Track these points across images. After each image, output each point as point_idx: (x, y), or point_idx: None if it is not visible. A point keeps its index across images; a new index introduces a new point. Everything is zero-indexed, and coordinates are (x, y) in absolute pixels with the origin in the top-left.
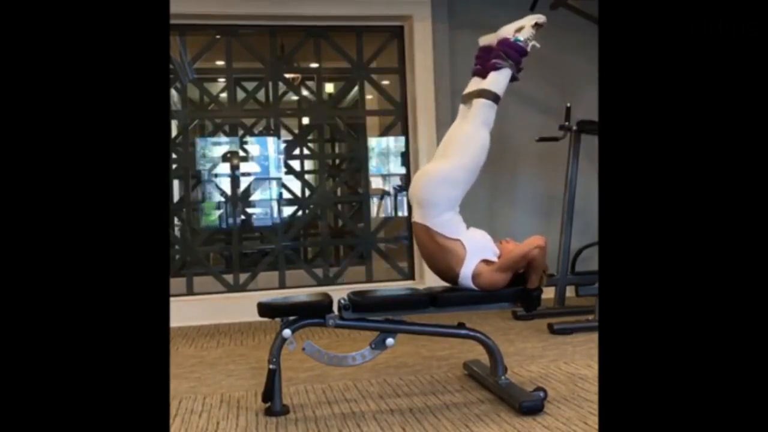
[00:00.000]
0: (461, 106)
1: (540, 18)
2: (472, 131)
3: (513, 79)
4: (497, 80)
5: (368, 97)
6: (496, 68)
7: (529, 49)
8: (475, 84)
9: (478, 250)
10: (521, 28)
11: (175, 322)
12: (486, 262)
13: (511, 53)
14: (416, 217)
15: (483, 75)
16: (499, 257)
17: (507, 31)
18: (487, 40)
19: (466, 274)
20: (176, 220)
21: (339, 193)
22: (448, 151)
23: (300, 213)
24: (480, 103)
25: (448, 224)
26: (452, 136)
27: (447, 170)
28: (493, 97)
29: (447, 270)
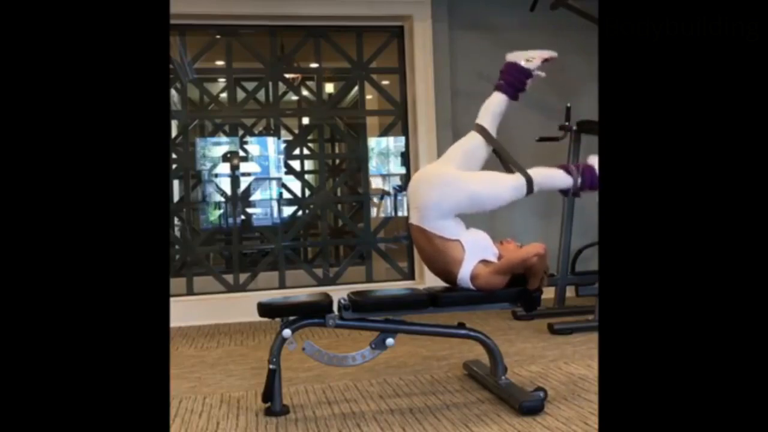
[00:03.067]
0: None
1: (551, 54)
2: (508, 181)
3: (513, 97)
4: (493, 104)
5: (368, 97)
6: (500, 89)
7: (533, 75)
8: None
9: (476, 251)
10: (530, 59)
11: (175, 322)
12: (485, 263)
13: (516, 76)
14: (413, 220)
15: (504, 90)
16: (499, 257)
17: (518, 56)
18: (514, 57)
19: (464, 275)
20: (176, 220)
21: (339, 193)
22: (451, 156)
23: (300, 213)
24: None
25: (446, 227)
26: (461, 144)
27: (448, 176)
28: (483, 130)
29: (446, 271)
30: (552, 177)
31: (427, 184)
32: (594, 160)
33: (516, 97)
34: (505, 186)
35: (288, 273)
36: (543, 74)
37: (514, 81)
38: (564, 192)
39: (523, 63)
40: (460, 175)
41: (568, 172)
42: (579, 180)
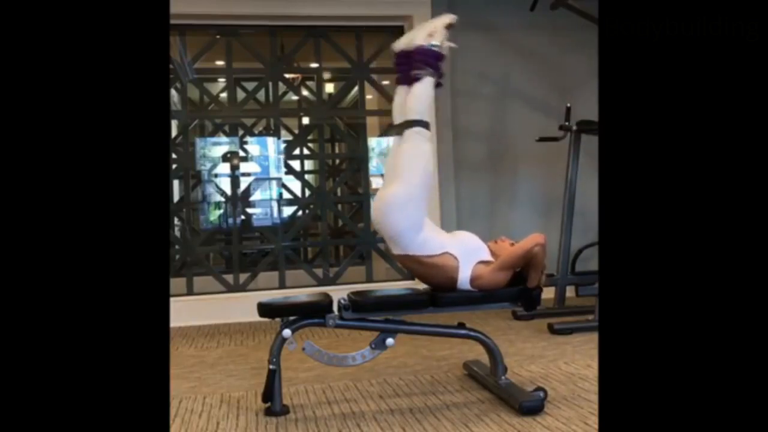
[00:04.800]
0: (395, 137)
1: (451, 18)
2: (411, 148)
3: (437, 84)
4: (421, 96)
5: (368, 97)
6: (417, 79)
7: (445, 52)
8: (401, 94)
9: (469, 254)
10: (433, 33)
11: (175, 322)
12: (483, 263)
13: (430, 60)
14: (394, 251)
15: (408, 82)
16: (492, 253)
17: (419, 37)
18: (402, 45)
19: (463, 280)
20: (176, 220)
21: (339, 193)
22: (395, 173)
23: (300, 213)
24: (413, 132)
25: (428, 242)
26: (395, 158)
27: (400, 194)
28: (422, 123)
29: (449, 280)
30: (420, 98)
31: (387, 215)
32: (410, 42)
33: (440, 83)
34: (417, 144)
35: (288, 273)
36: (455, 45)
37: (433, 65)
38: (438, 84)
39: (426, 41)
40: (400, 185)
41: (419, 78)
42: (431, 70)
